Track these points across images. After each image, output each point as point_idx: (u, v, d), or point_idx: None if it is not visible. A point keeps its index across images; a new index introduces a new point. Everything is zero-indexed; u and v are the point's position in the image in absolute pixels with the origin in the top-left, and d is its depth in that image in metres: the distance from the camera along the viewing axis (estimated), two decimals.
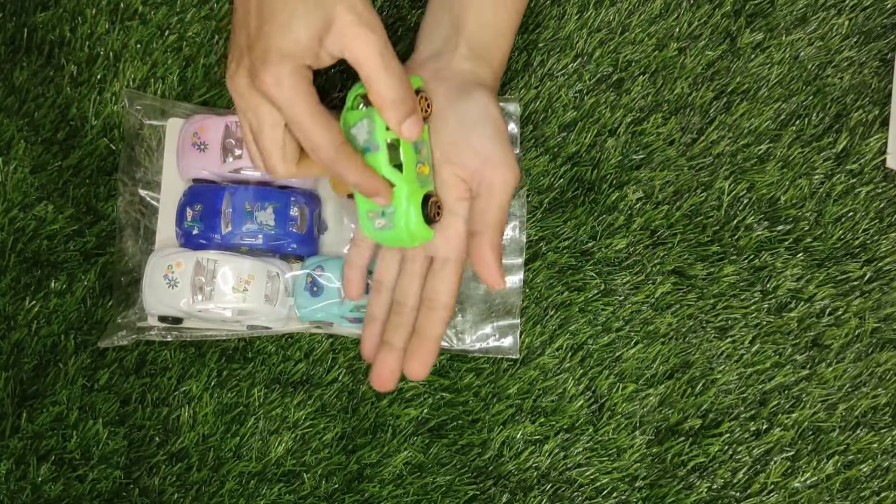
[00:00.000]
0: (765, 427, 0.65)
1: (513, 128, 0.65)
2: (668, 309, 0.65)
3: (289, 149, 0.53)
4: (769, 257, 0.66)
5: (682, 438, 0.64)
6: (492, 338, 0.64)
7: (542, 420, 0.64)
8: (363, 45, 0.50)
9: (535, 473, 0.64)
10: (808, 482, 0.64)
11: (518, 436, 0.64)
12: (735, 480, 0.64)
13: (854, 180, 0.67)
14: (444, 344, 0.64)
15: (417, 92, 0.56)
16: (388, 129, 0.54)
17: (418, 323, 0.58)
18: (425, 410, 0.64)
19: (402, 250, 0.59)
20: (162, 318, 0.63)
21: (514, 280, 0.64)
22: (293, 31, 0.49)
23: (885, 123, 0.68)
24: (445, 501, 0.63)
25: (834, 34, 0.68)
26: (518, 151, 0.65)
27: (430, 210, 0.56)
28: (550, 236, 0.66)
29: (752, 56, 0.68)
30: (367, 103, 0.55)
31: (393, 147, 0.55)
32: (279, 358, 0.64)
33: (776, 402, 0.65)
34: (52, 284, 0.64)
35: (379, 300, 0.60)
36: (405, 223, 0.55)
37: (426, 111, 0.56)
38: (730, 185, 0.66)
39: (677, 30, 0.68)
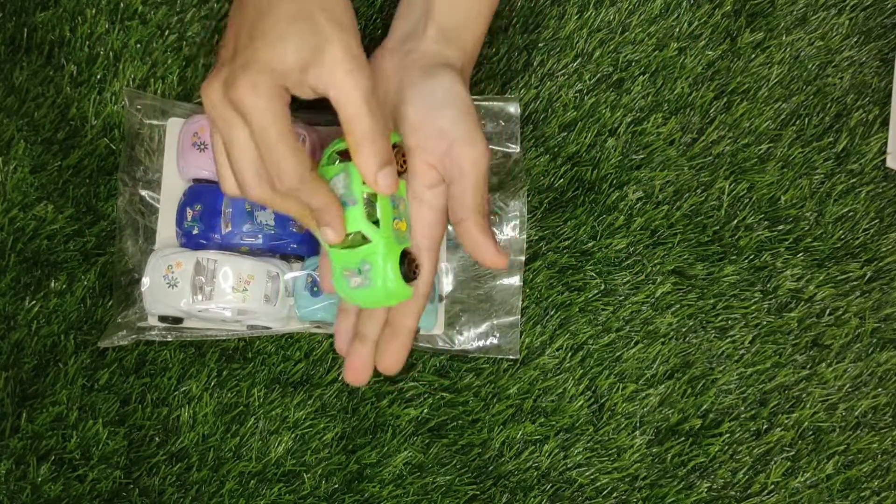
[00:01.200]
0: (765, 427, 0.65)
1: (513, 128, 0.65)
2: (669, 309, 0.65)
3: (263, 170, 0.50)
4: (769, 257, 0.66)
5: (683, 438, 0.64)
6: (492, 338, 0.64)
7: (542, 420, 0.64)
8: (352, 86, 0.48)
9: (535, 473, 0.64)
10: (808, 482, 0.64)
11: (518, 436, 0.64)
12: (735, 480, 0.64)
13: (854, 180, 0.67)
14: (443, 344, 0.64)
15: (395, 146, 0.54)
16: (364, 183, 0.52)
17: (390, 314, 0.57)
18: (425, 410, 0.64)
19: None
20: (162, 318, 0.63)
21: (514, 280, 0.64)
22: (281, 49, 0.48)
23: (885, 123, 0.68)
24: (445, 501, 0.63)
25: (834, 34, 0.68)
26: (518, 151, 0.65)
27: (408, 268, 0.54)
28: (550, 236, 0.66)
29: (753, 56, 0.68)
30: (345, 159, 0.53)
31: (370, 202, 0.53)
32: (279, 358, 0.64)
33: (776, 402, 0.65)
34: (52, 284, 0.64)
35: None
36: (382, 282, 0.53)
37: (402, 166, 0.54)
38: (730, 184, 0.66)
39: (677, 30, 0.68)
